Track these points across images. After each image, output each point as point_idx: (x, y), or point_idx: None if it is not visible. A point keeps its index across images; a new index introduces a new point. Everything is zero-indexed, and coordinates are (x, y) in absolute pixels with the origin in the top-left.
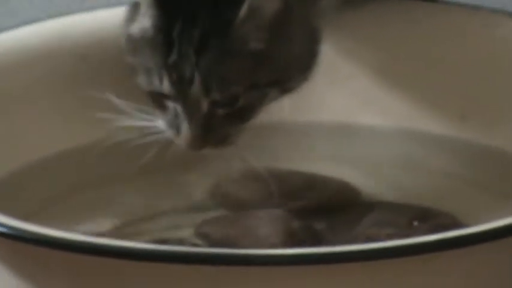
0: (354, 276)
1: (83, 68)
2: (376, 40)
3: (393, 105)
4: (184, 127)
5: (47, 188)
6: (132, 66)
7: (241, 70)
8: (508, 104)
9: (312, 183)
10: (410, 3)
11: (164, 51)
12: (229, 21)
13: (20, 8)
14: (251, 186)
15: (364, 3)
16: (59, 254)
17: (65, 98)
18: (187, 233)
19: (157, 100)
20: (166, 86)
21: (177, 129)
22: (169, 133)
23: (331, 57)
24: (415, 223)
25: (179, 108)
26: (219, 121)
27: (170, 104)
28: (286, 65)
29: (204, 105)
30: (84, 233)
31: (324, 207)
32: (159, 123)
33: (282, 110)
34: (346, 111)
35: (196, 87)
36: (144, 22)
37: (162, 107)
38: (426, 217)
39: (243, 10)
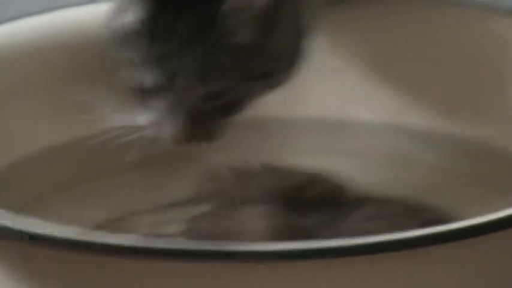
0: (342, 271)
1: (71, 64)
2: (364, 35)
3: (382, 100)
4: (170, 121)
5: (35, 184)
6: (117, 61)
7: (228, 64)
8: (496, 98)
9: (300, 178)
10: None
11: (151, 45)
12: (216, 15)
13: (7, 3)
14: (240, 182)
15: None
16: (44, 250)
17: (53, 94)
18: (175, 228)
19: (143, 95)
20: (153, 80)
21: (163, 123)
22: (155, 127)
23: (319, 52)
24: (402, 218)
25: (165, 102)
26: (205, 115)
27: (156, 99)
28: (274, 59)
29: (191, 98)
30: (71, 229)
31: (312, 202)
32: (145, 118)
33: (270, 104)
34: (334, 106)
35: (183, 81)
36: (130, 16)
37: (148, 102)
38: (415, 212)
39: (229, 3)
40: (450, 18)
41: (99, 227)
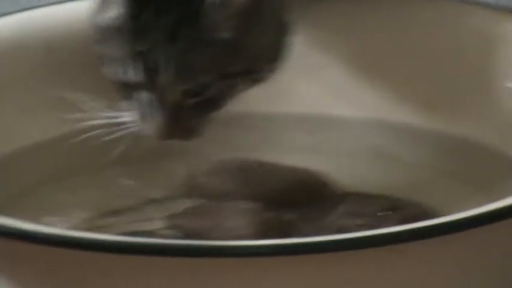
0: (323, 267)
1: (51, 61)
2: (347, 31)
3: (365, 97)
4: (153, 117)
5: (18, 181)
6: (101, 56)
7: (211, 59)
8: (479, 95)
9: (283, 174)
10: None
11: (133, 40)
12: (199, 10)
13: None
14: (222, 178)
15: None
16: (29, 247)
17: (35, 92)
18: (158, 224)
19: (126, 90)
20: (135, 75)
21: (146, 118)
22: (138, 123)
23: (302, 48)
24: (385, 213)
25: (148, 97)
26: (189, 110)
27: (139, 94)
28: (256, 55)
29: (174, 94)
30: (54, 226)
31: (295, 198)
32: (128, 113)
33: (253, 101)
34: (317, 102)
35: (166, 77)
36: (114, 11)
37: (131, 97)
38: (397, 208)
39: None
40: (433, 14)
41: (81, 224)
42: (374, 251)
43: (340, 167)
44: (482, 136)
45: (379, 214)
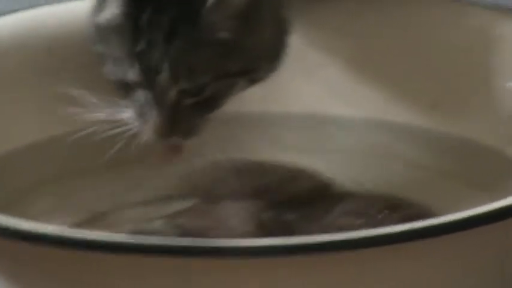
0: (324, 267)
1: (51, 61)
2: (346, 30)
3: (364, 96)
4: (152, 116)
5: (17, 180)
6: (100, 56)
7: (210, 59)
8: (478, 94)
9: (283, 173)
10: None
11: (132, 39)
12: (198, 10)
13: None
14: (221, 178)
15: None
16: (29, 247)
17: (34, 91)
18: (158, 224)
19: (125, 89)
20: (134, 75)
21: (144, 118)
22: (136, 123)
23: (301, 48)
24: (385, 213)
25: (147, 97)
26: (187, 110)
27: (138, 93)
28: (255, 55)
29: (172, 93)
30: (55, 225)
31: (294, 197)
32: (127, 113)
33: (252, 100)
34: (316, 102)
35: (164, 76)
36: (113, 10)
37: (130, 97)
38: (397, 207)
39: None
40: (433, 14)
41: (81, 223)
42: (374, 251)
43: (339, 166)
44: (482, 136)
45: (379, 214)
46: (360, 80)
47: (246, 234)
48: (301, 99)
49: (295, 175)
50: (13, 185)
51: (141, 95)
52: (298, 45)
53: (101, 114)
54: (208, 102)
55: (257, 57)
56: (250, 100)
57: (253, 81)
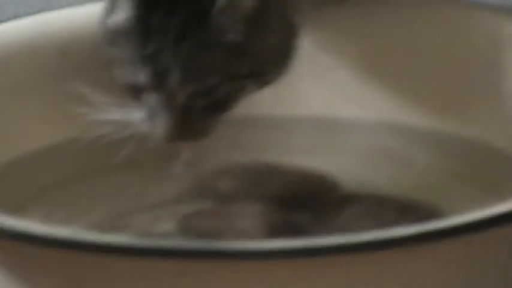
0: (334, 269)
1: (64, 64)
2: (355, 33)
3: (373, 98)
4: (161, 119)
5: (30, 183)
6: (111, 58)
7: (219, 61)
8: (488, 96)
9: (293, 176)
10: None
11: (142, 42)
12: (208, 12)
13: (3, 4)
14: (232, 180)
15: None
16: (43, 250)
17: (46, 94)
18: (170, 226)
19: (135, 92)
20: (143, 77)
21: (154, 120)
22: (146, 125)
23: (311, 51)
24: (393, 215)
25: (156, 99)
26: (196, 113)
27: (147, 96)
28: (264, 58)
29: (182, 96)
30: (65, 228)
31: (304, 199)
32: (137, 115)
33: (262, 103)
34: (326, 105)
35: (174, 78)
36: (122, 13)
37: (139, 99)
38: (406, 209)
39: (221, 1)
40: (441, 15)
41: (92, 226)
42: (385, 253)
43: (349, 168)
44: (492, 138)
45: (388, 216)
46: (369, 83)
47: (257, 236)
48: (310, 101)
49: (305, 177)
50: (24, 187)
51: (150, 97)
52: (308, 49)
53: (112, 116)
54: (218, 105)
55: (266, 60)
56: (260, 103)
57: (262, 84)
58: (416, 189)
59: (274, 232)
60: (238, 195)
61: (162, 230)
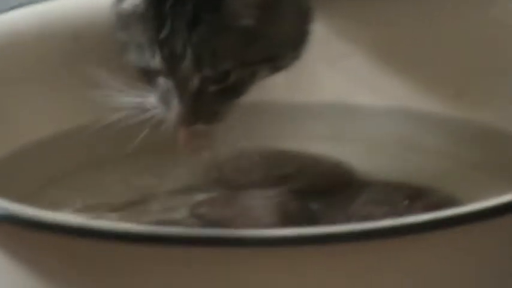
0: (350, 256)
1: (76, 49)
2: (370, 19)
3: (388, 84)
4: (175, 103)
5: (41, 171)
6: (123, 43)
7: (233, 46)
8: (502, 82)
9: (306, 162)
10: None
11: (156, 26)
12: None
13: None
14: (246, 167)
15: None
16: (54, 237)
17: (59, 80)
18: (182, 214)
19: (149, 76)
20: (157, 62)
21: (167, 105)
22: (160, 109)
23: (325, 36)
24: (408, 202)
25: (170, 84)
26: (210, 97)
27: (161, 80)
28: (277, 43)
29: (195, 80)
30: (78, 216)
31: (318, 186)
32: (150, 100)
33: (275, 89)
34: (340, 91)
35: (187, 63)
36: None
37: (153, 83)
38: (421, 196)
39: None
40: (458, 2)
41: (104, 213)
42: (400, 240)
43: (363, 155)
44: (507, 124)
45: (402, 202)
46: (383, 69)
47: (271, 224)
48: (324, 87)
49: (318, 164)
50: (37, 175)
51: (164, 82)
52: (322, 34)
53: (126, 101)
54: (232, 90)
55: (279, 45)
56: (273, 89)
57: (275, 69)
58: (430, 176)
59: (288, 219)
60: (252, 183)
61: (175, 217)
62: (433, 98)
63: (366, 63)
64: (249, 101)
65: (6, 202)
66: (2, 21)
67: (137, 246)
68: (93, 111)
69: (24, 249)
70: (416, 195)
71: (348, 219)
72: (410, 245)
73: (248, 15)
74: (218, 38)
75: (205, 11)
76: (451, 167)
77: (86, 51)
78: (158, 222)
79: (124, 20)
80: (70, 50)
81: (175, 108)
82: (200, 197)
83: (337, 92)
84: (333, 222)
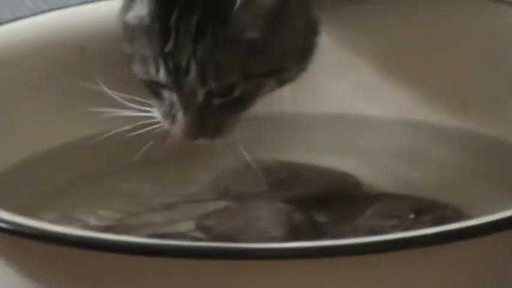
0: (357, 269)
1: (82, 60)
2: (376, 30)
3: (394, 96)
4: (180, 116)
5: (47, 181)
6: (129, 55)
7: (238, 59)
8: (508, 93)
9: (313, 175)
10: None
11: (161, 39)
12: (227, 9)
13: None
14: (251, 179)
15: None
16: (55, 249)
17: (64, 91)
18: (188, 226)
19: (154, 89)
20: (162, 75)
21: (172, 118)
22: (165, 123)
23: (331, 48)
24: (414, 215)
25: (175, 97)
26: (215, 111)
27: (166, 93)
28: (283, 55)
29: (200, 94)
30: (81, 227)
31: (325, 198)
32: (155, 113)
33: (282, 101)
34: (346, 102)
35: (192, 76)
36: (141, 10)
37: (158, 97)
38: (428, 209)
39: None
40: (463, 12)
41: (108, 226)
42: (407, 253)
43: (370, 167)
44: None
45: (410, 215)
46: (390, 80)
47: (277, 237)
48: (331, 99)
49: (325, 176)
50: (42, 186)
51: (168, 95)
52: (328, 46)
53: (130, 113)
54: (237, 103)
55: (286, 58)
56: (280, 101)
57: (282, 81)
58: (437, 188)
59: (295, 232)
60: (258, 195)
61: (180, 230)
62: (439, 109)
63: (373, 75)
64: (255, 113)
65: (8, 214)
66: (8, 31)
67: (138, 258)
68: (98, 123)
69: (26, 260)
70: (423, 208)
71: (355, 232)
72: (418, 259)
73: (254, 28)
74: (223, 50)
75: (210, 24)
76: (458, 178)
77: (91, 61)
78: (160, 235)
79: (129, 32)
80: (75, 60)
81: (179, 122)
82: (205, 209)
83: (344, 104)
84: (339, 235)
